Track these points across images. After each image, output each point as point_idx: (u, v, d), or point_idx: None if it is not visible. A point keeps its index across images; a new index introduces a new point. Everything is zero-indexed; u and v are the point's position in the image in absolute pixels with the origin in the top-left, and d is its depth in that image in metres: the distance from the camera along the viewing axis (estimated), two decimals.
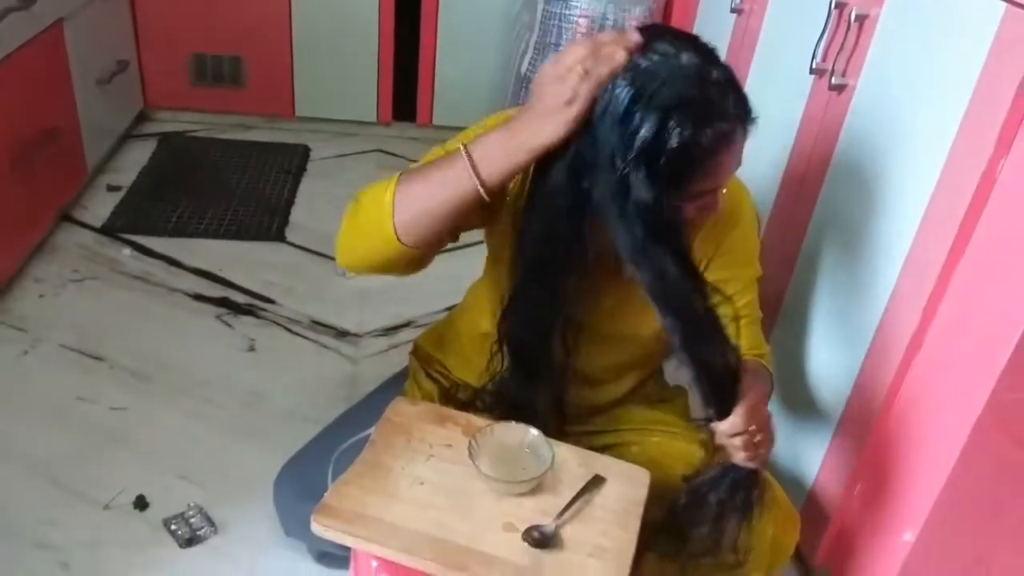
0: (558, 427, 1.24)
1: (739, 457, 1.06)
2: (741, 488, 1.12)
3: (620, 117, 0.95)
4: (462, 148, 1.01)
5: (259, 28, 2.83)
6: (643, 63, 0.95)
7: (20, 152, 1.99)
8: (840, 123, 1.38)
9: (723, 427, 1.04)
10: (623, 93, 0.94)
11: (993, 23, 1.05)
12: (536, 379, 1.21)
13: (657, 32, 0.98)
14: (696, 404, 1.16)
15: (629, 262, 1.02)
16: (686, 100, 0.94)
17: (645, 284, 1.02)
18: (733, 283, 1.19)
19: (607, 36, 0.96)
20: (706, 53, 0.97)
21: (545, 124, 0.97)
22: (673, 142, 0.93)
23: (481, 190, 1.00)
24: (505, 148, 1.00)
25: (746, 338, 1.22)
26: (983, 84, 1.06)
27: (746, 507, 1.13)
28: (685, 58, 0.95)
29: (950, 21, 1.15)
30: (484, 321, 1.28)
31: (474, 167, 1.00)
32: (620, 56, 0.94)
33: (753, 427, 1.04)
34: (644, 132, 0.94)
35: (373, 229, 1.06)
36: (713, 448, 1.14)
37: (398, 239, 1.04)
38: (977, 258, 1.08)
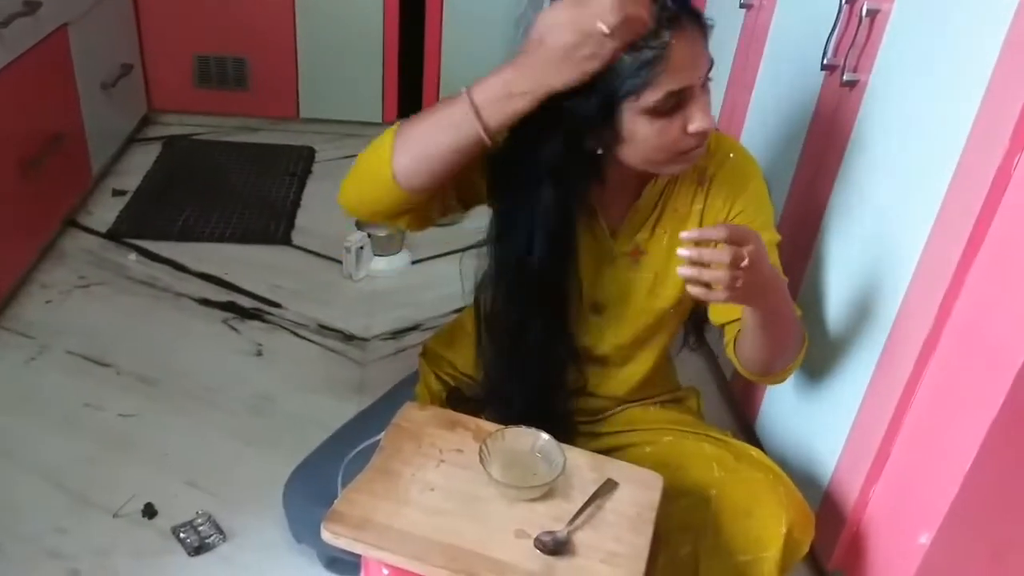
0: (558, 420, 1.24)
1: (718, 283, 0.97)
2: None
3: None
4: (464, 91, 1.00)
5: (262, 29, 2.82)
6: None
7: (25, 157, 1.99)
8: (852, 120, 1.37)
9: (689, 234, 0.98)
10: None
11: (1007, 15, 1.03)
12: (519, 364, 1.21)
13: None
14: None
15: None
16: None
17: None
18: None
19: None
20: None
21: (558, 72, 0.96)
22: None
23: (483, 134, 1.00)
24: (509, 92, 0.99)
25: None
26: (997, 79, 1.05)
27: None
28: None
29: (963, 15, 1.13)
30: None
31: (476, 111, 0.99)
32: (645, 19, 0.96)
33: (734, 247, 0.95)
34: None
35: (373, 171, 1.06)
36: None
37: (396, 182, 1.04)
38: (992, 256, 1.06)
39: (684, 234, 0.97)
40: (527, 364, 1.21)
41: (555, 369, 1.24)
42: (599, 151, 1.08)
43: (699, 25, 1.03)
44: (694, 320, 1.38)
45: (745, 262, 0.95)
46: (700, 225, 1.20)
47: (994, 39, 1.04)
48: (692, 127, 1.04)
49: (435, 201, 1.13)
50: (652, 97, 1.01)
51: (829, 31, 1.39)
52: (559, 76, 0.97)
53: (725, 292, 0.97)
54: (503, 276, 1.18)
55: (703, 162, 1.18)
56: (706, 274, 0.96)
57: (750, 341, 1.16)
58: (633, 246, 1.22)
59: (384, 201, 1.09)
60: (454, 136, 1.01)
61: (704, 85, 1.06)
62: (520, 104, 0.99)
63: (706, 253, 0.95)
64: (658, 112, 1.03)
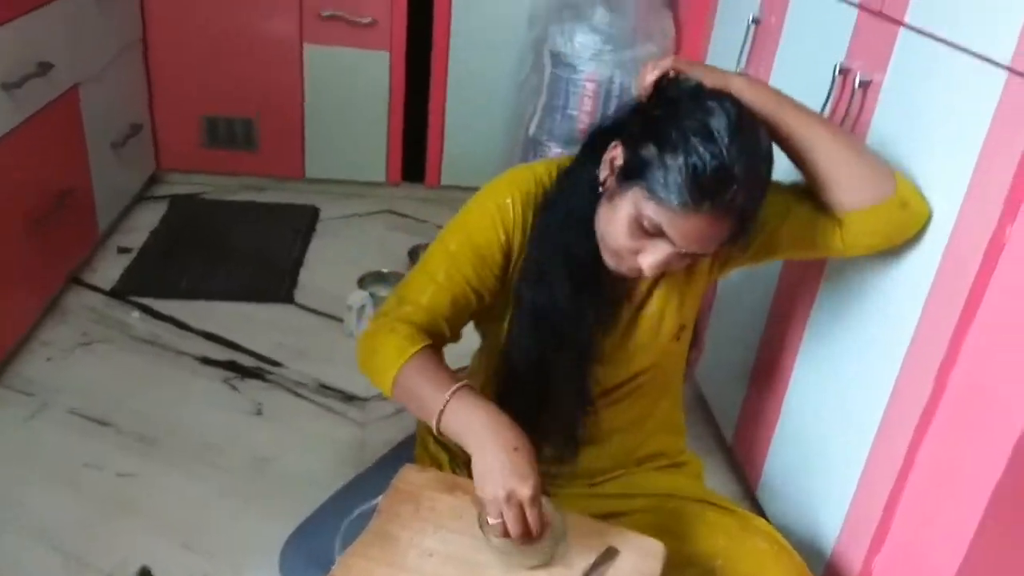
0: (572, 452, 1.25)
1: None
2: None
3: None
4: (447, 395, 1.05)
5: (271, 91, 2.88)
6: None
7: (33, 214, 2.01)
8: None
9: None
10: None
11: (995, 90, 1.05)
12: (541, 405, 1.20)
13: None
14: None
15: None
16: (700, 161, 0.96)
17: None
18: (794, 210, 1.17)
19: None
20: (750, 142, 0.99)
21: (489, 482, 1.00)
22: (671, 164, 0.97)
23: (435, 428, 1.07)
24: (467, 437, 1.04)
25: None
26: (987, 150, 1.07)
27: None
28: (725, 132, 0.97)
29: (953, 88, 1.16)
30: (488, 385, 1.27)
31: (441, 415, 1.05)
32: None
33: None
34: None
35: (377, 382, 1.13)
36: None
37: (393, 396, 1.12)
38: (987, 326, 1.07)
39: None
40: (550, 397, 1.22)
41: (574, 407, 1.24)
42: (600, 178, 1.10)
43: (736, 227, 1.01)
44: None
45: None
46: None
47: (984, 111, 1.07)
48: (638, 263, 1.05)
49: None
50: (641, 209, 1.01)
51: (823, 101, 1.42)
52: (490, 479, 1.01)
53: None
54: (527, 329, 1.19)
55: None
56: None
57: (822, 160, 1.12)
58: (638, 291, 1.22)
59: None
60: (423, 414, 1.09)
61: (690, 259, 1.06)
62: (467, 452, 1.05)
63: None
64: (631, 223, 1.03)
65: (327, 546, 1.13)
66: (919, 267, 1.18)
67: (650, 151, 1.00)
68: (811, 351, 1.47)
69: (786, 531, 1.28)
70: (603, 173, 1.09)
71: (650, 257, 1.04)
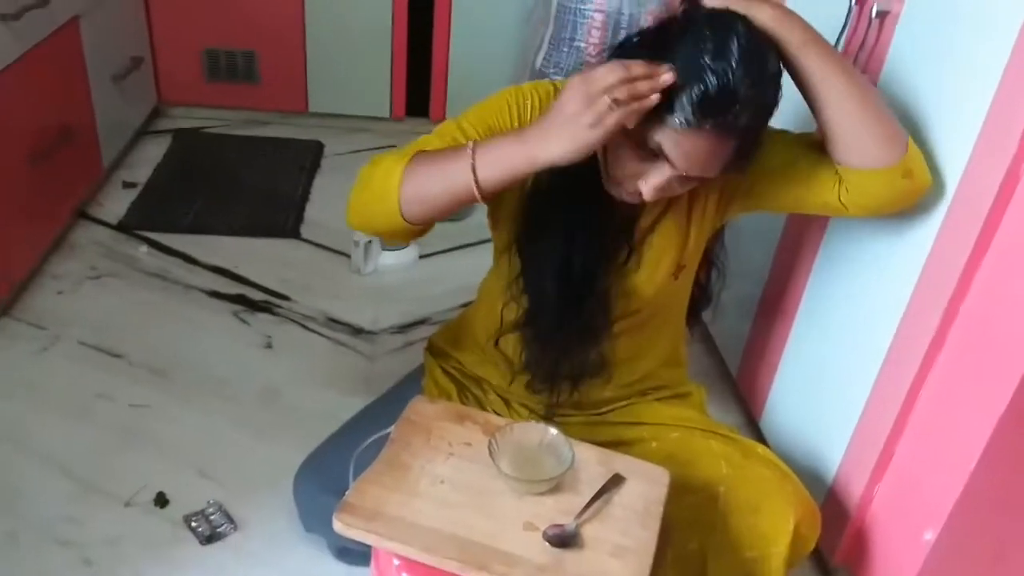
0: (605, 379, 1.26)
1: None
2: None
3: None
4: (469, 147, 1.02)
5: (272, 23, 2.83)
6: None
7: (37, 149, 2.00)
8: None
9: None
10: None
11: (1017, 21, 1.03)
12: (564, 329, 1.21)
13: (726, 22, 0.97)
14: None
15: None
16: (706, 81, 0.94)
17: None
18: (770, 159, 1.14)
19: (641, 68, 0.94)
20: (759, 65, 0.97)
21: (560, 140, 0.97)
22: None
23: (476, 191, 1.02)
24: (511, 156, 1.00)
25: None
26: (1006, 83, 1.05)
27: None
28: (735, 51, 0.95)
29: (972, 17, 1.14)
30: (497, 313, 1.28)
31: (474, 168, 1.01)
32: (653, 99, 0.94)
33: None
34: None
35: (380, 200, 1.09)
36: None
37: (401, 215, 1.08)
38: (999, 258, 1.07)
39: None
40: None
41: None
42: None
43: (737, 149, 1.00)
44: (690, 306, 1.38)
45: None
46: (703, 205, 1.19)
47: (1004, 40, 1.05)
48: (638, 186, 1.04)
49: (433, 224, 1.15)
50: (643, 132, 0.99)
51: (838, 33, 1.40)
52: (559, 144, 0.97)
53: None
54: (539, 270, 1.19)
55: None
56: None
57: (833, 112, 1.08)
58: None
59: (389, 228, 1.12)
60: (451, 186, 1.04)
61: (692, 182, 1.04)
62: (517, 168, 1.01)
63: None
64: (634, 146, 1.01)
65: (340, 474, 1.15)
66: (934, 198, 1.17)
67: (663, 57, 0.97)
68: (820, 282, 1.48)
69: (789, 459, 1.31)
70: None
71: (651, 180, 1.03)
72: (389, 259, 2.27)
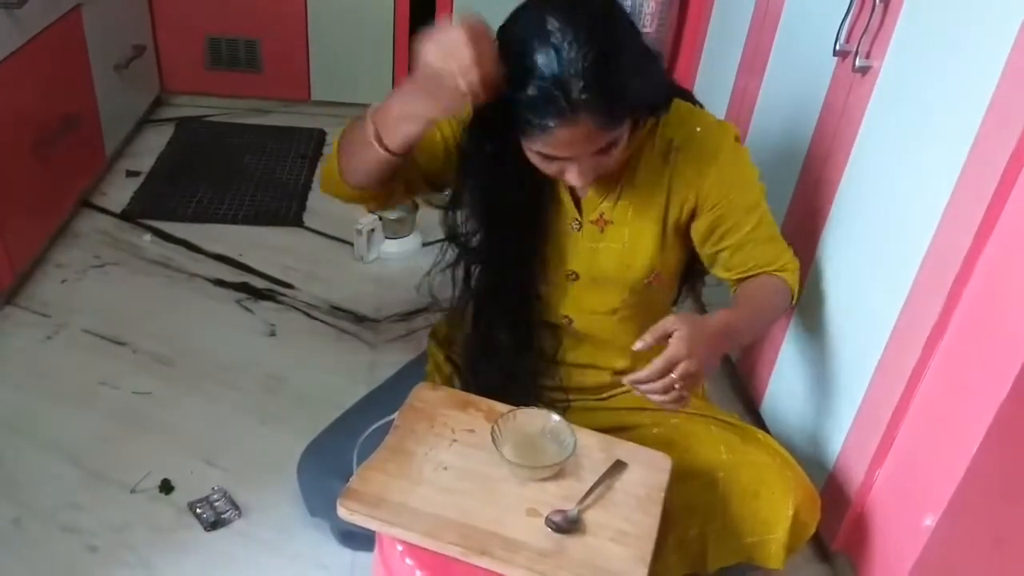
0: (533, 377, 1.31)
1: (655, 401, 1.06)
2: None
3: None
4: (368, 114, 1.09)
5: (275, 11, 2.82)
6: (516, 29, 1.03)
7: (40, 138, 2.00)
8: (863, 107, 1.37)
9: (629, 378, 1.06)
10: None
11: (1023, 2, 1.03)
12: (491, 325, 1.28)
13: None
14: None
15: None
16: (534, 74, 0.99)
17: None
18: (728, 217, 1.22)
19: (466, 32, 0.96)
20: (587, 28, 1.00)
21: (435, 100, 1.01)
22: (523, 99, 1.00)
23: (385, 153, 1.08)
24: (398, 115, 1.06)
25: (754, 257, 1.24)
26: (1011, 66, 1.05)
27: None
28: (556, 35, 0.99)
29: (978, 2, 1.13)
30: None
31: (376, 133, 1.08)
32: (498, 81, 0.98)
33: (669, 375, 1.03)
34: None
35: (330, 168, 1.19)
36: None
37: (345, 181, 1.17)
38: (1002, 244, 1.07)
39: (626, 380, 1.07)
40: (498, 325, 1.29)
41: (525, 331, 1.30)
42: None
43: (603, 114, 1.02)
44: (689, 283, 1.40)
45: (677, 384, 1.03)
46: (668, 196, 1.22)
47: (1010, 24, 1.05)
48: (566, 179, 1.10)
49: (388, 191, 1.20)
50: (528, 144, 1.07)
51: (843, 16, 1.40)
52: (437, 104, 1.02)
53: (676, 405, 1.06)
54: (476, 245, 1.25)
55: (669, 133, 1.20)
56: (655, 398, 1.05)
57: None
58: (598, 215, 1.23)
59: (343, 194, 1.21)
60: (368, 152, 1.10)
61: (604, 151, 1.07)
62: (411, 128, 1.06)
63: (645, 388, 1.05)
64: (535, 153, 1.08)
65: (344, 460, 1.16)
66: (937, 182, 1.17)
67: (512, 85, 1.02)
68: (822, 267, 1.48)
69: (789, 445, 1.31)
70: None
71: (569, 175, 1.08)
72: (392, 247, 2.27)
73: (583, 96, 0.99)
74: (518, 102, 1.01)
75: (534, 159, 1.09)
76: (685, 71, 2.39)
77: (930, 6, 1.23)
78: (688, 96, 1.27)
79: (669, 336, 1.04)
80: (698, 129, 1.21)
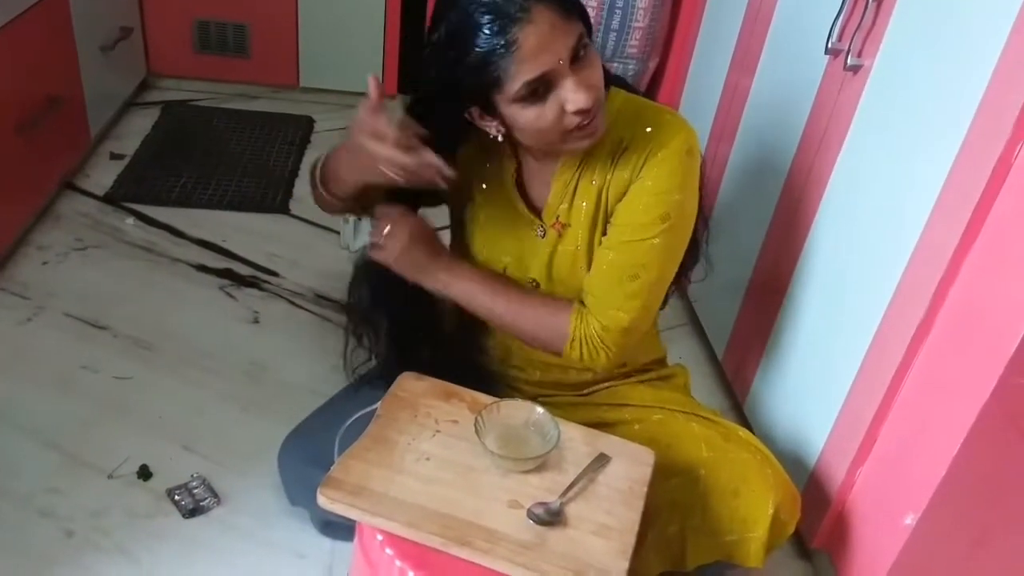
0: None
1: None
2: None
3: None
4: (317, 163, 1.20)
5: None
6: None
7: (24, 118, 1.97)
8: (855, 104, 1.37)
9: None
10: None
11: (1014, 4, 1.03)
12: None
13: None
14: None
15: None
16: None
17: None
18: (617, 232, 1.16)
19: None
20: None
21: (362, 172, 1.10)
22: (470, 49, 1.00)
23: (336, 203, 1.20)
24: (336, 176, 1.16)
25: (586, 281, 1.20)
26: (1002, 66, 1.05)
27: None
28: None
29: (970, 2, 1.14)
30: None
31: (323, 186, 1.19)
32: (430, 167, 1.05)
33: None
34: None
35: (316, 197, 1.26)
36: None
37: (329, 202, 1.24)
38: (989, 243, 1.07)
39: None
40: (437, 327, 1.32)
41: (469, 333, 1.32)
42: (499, 137, 1.10)
43: (558, 4, 1.00)
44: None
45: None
46: (605, 198, 1.17)
47: (1001, 25, 1.05)
48: (569, 107, 1.03)
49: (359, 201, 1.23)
50: (512, 88, 1.01)
51: (835, 14, 1.40)
52: (367, 174, 1.09)
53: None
54: None
55: (619, 133, 1.14)
56: None
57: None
58: (555, 218, 1.21)
59: (338, 211, 1.25)
60: (319, 196, 1.23)
61: (579, 57, 1.03)
62: (346, 188, 1.16)
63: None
64: (526, 99, 1.03)
65: (325, 448, 1.15)
66: (926, 181, 1.17)
67: (466, 65, 1.02)
68: (808, 266, 1.48)
69: (772, 443, 1.32)
70: (493, 131, 1.10)
71: (571, 95, 1.02)
72: None
73: None
74: (476, 55, 1.00)
75: (526, 112, 1.04)
76: (677, 67, 2.39)
77: (922, 5, 1.24)
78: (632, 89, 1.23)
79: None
80: (648, 129, 1.14)
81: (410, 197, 1.22)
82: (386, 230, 1.14)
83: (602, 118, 1.08)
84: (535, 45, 0.99)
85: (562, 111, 1.04)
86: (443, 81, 1.06)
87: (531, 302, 1.21)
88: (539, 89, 1.02)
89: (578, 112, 1.04)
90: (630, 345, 1.20)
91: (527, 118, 1.05)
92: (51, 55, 2.17)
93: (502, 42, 0.99)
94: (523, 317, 1.21)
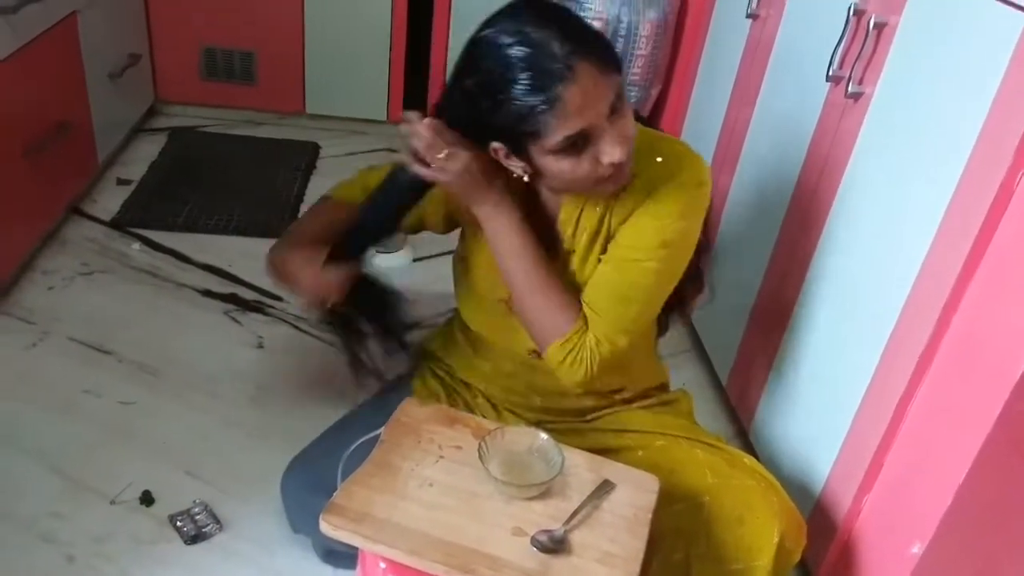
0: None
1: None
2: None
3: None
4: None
5: (271, 24, 2.83)
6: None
7: (32, 144, 1.99)
8: (855, 132, 1.38)
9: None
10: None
11: (1014, 33, 1.04)
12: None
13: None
14: None
15: None
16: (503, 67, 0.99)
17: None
18: (617, 249, 1.16)
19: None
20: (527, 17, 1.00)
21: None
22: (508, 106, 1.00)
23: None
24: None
25: (586, 294, 1.19)
26: (1003, 94, 1.06)
27: None
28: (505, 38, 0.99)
29: (970, 30, 1.15)
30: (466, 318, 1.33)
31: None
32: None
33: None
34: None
35: None
36: None
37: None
38: (992, 270, 1.07)
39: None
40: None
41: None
42: (525, 178, 1.10)
43: (598, 59, 1.00)
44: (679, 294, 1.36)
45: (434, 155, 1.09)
46: (608, 222, 1.17)
47: (1001, 53, 1.06)
48: (605, 159, 1.04)
49: None
50: (550, 142, 1.01)
51: (836, 43, 1.41)
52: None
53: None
54: None
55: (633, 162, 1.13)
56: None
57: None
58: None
59: None
60: None
61: (616, 110, 1.03)
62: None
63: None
64: (563, 152, 1.03)
65: (328, 474, 1.15)
66: (928, 208, 1.17)
67: (502, 115, 1.01)
68: (812, 293, 1.48)
69: (777, 470, 1.31)
70: (519, 171, 1.09)
71: (607, 148, 1.03)
72: (383, 262, 2.27)
73: (568, 48, 0.98)
74: (514, 109, 0.99)
75: (561, 164, 1.04)
76: (679, 94, 2.40)
77: (923, 33, 1.25)
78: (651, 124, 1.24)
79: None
80: (659, 159, 1.14)
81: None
82: (443, 153, 1.08)
83: (631, 163, 1.09)
84: (578, 103, 0.99)
85: (597, 163, 1.04)
86: (473, 122, 1.06)
87: (551, 282, 1.17)
88: (578, 143, 1.02)
89: (611, 167, 1.05)
90: (607, 369, 1.18)
91: (561, 168, 1.05)
92: (60, 81, 2.19)
93: (543, 99, 0.98)
94: (537, 290, 1.16)
